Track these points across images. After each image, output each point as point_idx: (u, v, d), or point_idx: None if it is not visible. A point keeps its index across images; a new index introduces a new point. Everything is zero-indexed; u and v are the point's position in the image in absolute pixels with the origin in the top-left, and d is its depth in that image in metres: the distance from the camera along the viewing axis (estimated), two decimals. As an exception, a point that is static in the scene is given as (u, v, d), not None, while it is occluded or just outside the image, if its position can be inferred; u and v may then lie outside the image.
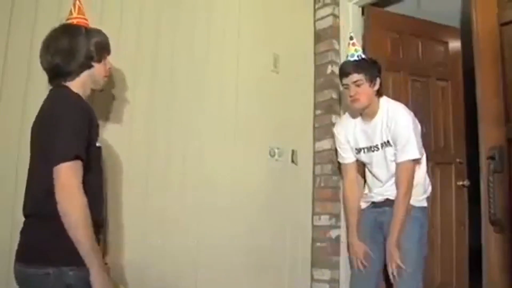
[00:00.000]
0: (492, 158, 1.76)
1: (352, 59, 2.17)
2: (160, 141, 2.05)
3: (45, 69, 1.44)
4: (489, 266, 1.77)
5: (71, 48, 1.41)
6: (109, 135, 1.86)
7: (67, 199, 1.25)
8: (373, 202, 2.25)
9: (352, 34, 2.27)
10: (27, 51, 1.72)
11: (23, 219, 1.39)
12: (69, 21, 1.51)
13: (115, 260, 1.79)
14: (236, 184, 2.28)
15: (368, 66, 2.14)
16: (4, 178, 1.64)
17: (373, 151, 2.21)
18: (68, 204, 1.25)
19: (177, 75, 2.15)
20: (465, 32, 2.61)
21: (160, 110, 2.07)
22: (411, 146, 2.07)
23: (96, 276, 1.28)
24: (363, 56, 2.20)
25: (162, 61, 2.10)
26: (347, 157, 2.36)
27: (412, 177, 2.09)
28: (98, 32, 1.51)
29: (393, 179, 2.15)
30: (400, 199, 2.06)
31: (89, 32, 1.47)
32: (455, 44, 2.96)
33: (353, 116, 2.30)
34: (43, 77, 1.67)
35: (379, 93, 2.18)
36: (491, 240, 1.77)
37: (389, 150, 2.14)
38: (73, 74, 1.42)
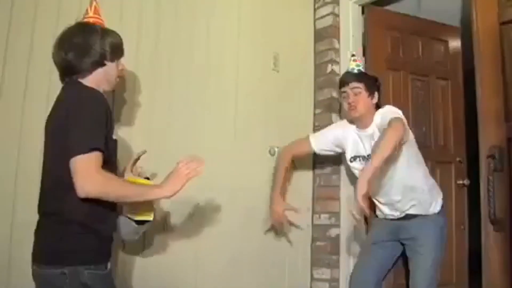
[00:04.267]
0: (492, 157, 1.76)
1: (352, 71, 2.19)
2: (160, 141, 2.05)
3: (57, 65, 1.43)
4: (489, 265, 1.77)
5: (85, 45, 1.41)
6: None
7: (85, 183, 1.22)
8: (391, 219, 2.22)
9: (354, 52, 2.30)
10: (27, 51, 1.72)
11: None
12: (85, 20, 1.51)
13: (115, 258, 1.79)
14: (236, 183, 2.28)
15: (368, 79, 2.17)
16: (4, 178, 1.64)
17: (368, 159, 2.13)
18: (88, 187, 1.22)
19: (177, 75, 2.15)
20: (465, 31, 2.61)
21: (160, 109, 2.07)
22: (395, 113, 1.99)
23: (164, 191, 1.37)
24: (363, 70, 2.23)
25: (162, 61, 2.10)
26: (317, 142, 2.31)
27: (401, 134, 1.89)
28: (114, 33, 1.50)
29: (398, 191, 2.10)
30: (388, 130, 1.88)
31: (105, 31, 1.47)
32: (455, 43, 2.96)
33: (350, 123, 2.28)
34: (43, 77, 1.68)
35: (377, 107, 2.17)
36: (491, 239, 1.77)
37: None
38: (85, 71, 1.41)
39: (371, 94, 2.15)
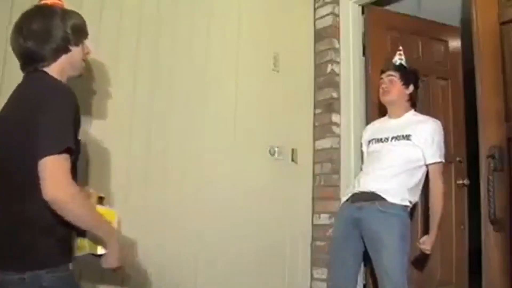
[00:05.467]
0: (492, 157, 1.76)
1: (394, 63, 2.37)
2: (160, 140, 2.05)
3: (16, 54, 1.32)
4: (489, 265, 1.77)
5: (45, 31, 1.29)
6: (109, 136, 1.86)
7: (57, 189, 1.13)
8: (353, 195, 2.22)
9: (401, 47, 2.42)
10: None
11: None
12: (43, 2, 1.37)
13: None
14: (236, 183, 2.28)
15: (405, 70, 2.32)
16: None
17: (382, 142, 2.27)
18: (59, 194, 1.13)
19: (177, 74, 2.15)
20: (465, 31, 2.61)
21: (160, 108, 2.07)
22: (441, 151, 2.19)
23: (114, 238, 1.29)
24: (404, 63, 2.35)
25: (162, 60, 2.10)
26: None
27: (443, 188, 2.19)
28: (75, 13, 1.37)
29: (385, 172, 2.17)
30: (437, 197, 2.16)
31: (65, 13, 1.34)
32: (455, 43, 2.96)
33: (381, 119, 2.43)
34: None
35: (411, 101, 2.32)
36: (491, 239, 1.77)
37: (400, 144, 2.19)
38: (48, 59, 1.29)
39: (405, 84, 2.30)
